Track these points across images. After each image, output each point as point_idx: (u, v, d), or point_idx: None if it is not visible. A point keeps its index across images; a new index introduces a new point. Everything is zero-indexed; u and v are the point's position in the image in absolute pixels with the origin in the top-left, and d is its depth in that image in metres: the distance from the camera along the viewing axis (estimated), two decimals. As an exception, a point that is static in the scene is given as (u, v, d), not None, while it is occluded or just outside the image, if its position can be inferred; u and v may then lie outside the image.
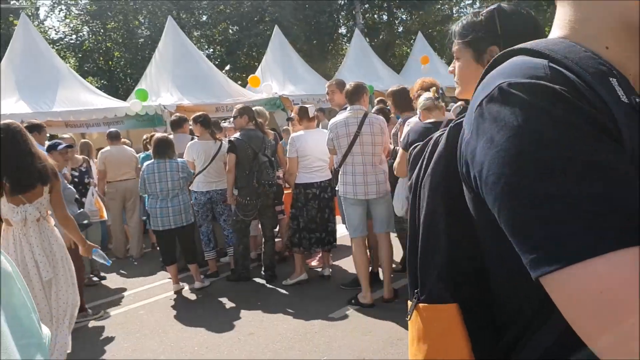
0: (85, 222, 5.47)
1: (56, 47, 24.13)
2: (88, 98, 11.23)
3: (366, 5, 32.07)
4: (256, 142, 5.93)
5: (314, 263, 6.51)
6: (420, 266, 1.17)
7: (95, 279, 6.78)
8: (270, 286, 5.98)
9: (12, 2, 25.83)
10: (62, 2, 28.50)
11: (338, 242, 6.17)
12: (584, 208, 0.68)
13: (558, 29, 0.93)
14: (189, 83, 13.15)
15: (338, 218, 6.07)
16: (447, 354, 1.09)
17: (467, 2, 38.71)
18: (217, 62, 25.37)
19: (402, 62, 25.77)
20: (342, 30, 34.77)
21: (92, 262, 6.71)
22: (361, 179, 4.96)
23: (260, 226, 6.47)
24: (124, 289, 6.44)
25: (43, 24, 29.42)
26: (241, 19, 28.17)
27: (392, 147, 5.44)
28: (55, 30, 29.47)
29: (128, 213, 7.97)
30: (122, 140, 8.53)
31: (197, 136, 6.61)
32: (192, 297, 5.94)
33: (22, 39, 11.28)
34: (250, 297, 5.70)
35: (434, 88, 4.76)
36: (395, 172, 4.73)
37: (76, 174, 6.66)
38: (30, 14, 25.78)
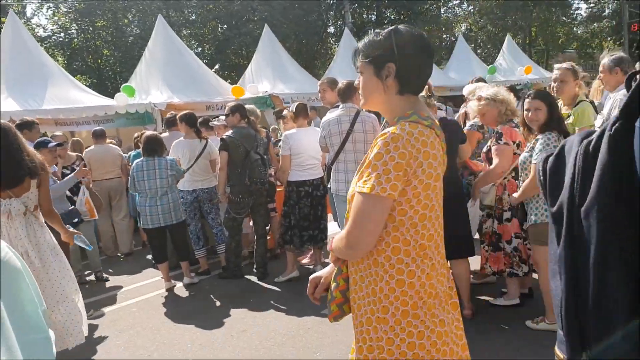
0: (76, 220, 5.46)
1: (44, 45, 23.91)
2: (78, 96, 11.18)
3: (355, 5, 32.13)
4: (248, 140, 5.95)
5: (305, 260, 6.55)
6: (591, 316, 0.97)
7: (88, 278, 6.77)
8: (262, 283, 6.01)
9: (-2, 0, 25.63)
10: (50, -1, 28.32)
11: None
12: None
13: None
14: (179, 81, 13.13)
15: (330, 216, 6.12)
16: None
17: (454, 3, 39.01)
18: (206, 61, 25.29)
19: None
20: (331, 29, 34.84)
21: (92, 261, 6.69)
22: (353, 177, 4.97)
23: (252, 224, 6.49)
24: (116, 287, 6.43)
25: (30, 21, 29.18)
26: (231, 18, 28.13)
27: None
28: (43, 28, 29.28)
29: (115, 211, 7.96)
30: (108, 139, 8.51)
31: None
32: (184, 294, 5.95)
33: (11, 37, 11.19)
34: (243, 294, 5.72)
35: (426, 87, 4.80)
36: None
37: (68, 172, 6.63)
38: (17, 11, 25.55)
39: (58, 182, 5.65)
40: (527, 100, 3.97)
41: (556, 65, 4.84)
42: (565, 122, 4.30)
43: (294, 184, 5.80)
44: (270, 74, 15.93)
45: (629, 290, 0.86)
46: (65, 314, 3.99)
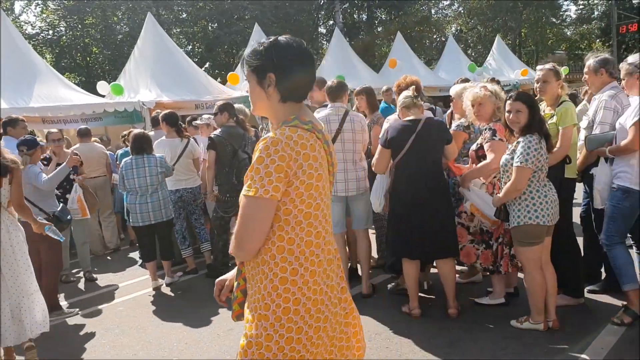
0: (69, 217, 5.44)
1: (32, 43, 23.73)
2: (66, 94, 11.08)
3: (346, 5, 32.17)
4: (236, 139, 5.94)
5: (293, 260, 6.53)
6: None
7: (78, 276, 6.73)
8: (250, 283, 5.99)
9: (-14, -4, 25.39)
10: (39, -4, 28.11)
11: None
12: None
13: None
14: (168, 80, 13.06)
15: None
16: None
17: (445, 3, 39.13)
18: (196, 60, 25.19)
19: (381, 61, 25.90)
20: (322, 29, 34.85)
21: (82, 261, 6.64)
22: (341, 176, 5.00)
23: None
24: (102, 286, 6.41)
25: (19, 18, 28.94)
26: (221, 17, 28.05)
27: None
28: (31, 25, 29.05)
29: (100, 209, 7.91)
30: (93, 138, 8.50)
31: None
32: (171, 293, 5.94)
33: (-2, 34, 11.08)
34: (230, 293, 5.69)
35: (413, 87, 4.82)
36: (373, 168, 4.79)
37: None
38: (5, 8, 25.33)
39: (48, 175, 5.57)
40: (508, 102, 3.98)
41: (538, 67, 4.89)
42: (549, 122, 4.33)
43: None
44: (260, 73, 15.87)
45: None
46: (32, 305, 4.23)
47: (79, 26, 27.60)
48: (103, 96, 12.23)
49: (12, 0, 28.46)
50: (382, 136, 4.59)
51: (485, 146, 4.34)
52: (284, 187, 1.81)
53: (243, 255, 1.90)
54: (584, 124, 4.54)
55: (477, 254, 4.53)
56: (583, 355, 3.71)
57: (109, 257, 7.86)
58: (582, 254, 4.76)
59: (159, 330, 4.91)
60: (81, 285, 6.55)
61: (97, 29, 27.68)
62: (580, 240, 4.73)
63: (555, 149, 4.15)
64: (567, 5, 54.47)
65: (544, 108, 4.60)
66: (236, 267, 2.01)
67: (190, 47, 30.51)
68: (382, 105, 8.27)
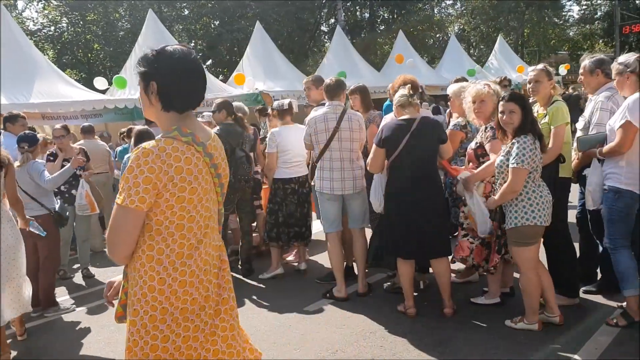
0: (67, 214, 5.51)
1: (34, 39, 23.74)
2: (66, 90, 11.12)
3: (348, 4, 32.14)
4: (234, 137, 5.95)
5: (290, 258, 6.55)
6: None
7: (65, 274, 6.74)
8: (247, 280, 6.01)
9: (-11, -8, 25.40)
10: (41, -8, 28.12)
11: (313, 238, 6.22)
12: None
13: None
14: (169, 77, 13.07)
15: (314, 214, 6.13)
16: None
17: (447, 3, 39.07)
18: (198, 57, 25.20)
19: (383, 60, 25.87)
20: (324, 27, 34.82)
21: (81, 257, 6.63)
22: (338, 175, 5.00)
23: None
24: (99, 282, 6.41)
25: (21, 14, 28.96)
26: (223, 14, 28.04)
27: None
28: (33, 21, 29.05)
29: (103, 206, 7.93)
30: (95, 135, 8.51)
31: None
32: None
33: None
34: (227, 290, 5.71)
35: (409, 85, 4.81)
36: (368, 168, 4.78)
37: (68, 164, 6.54)
38: (8, 4, 25.34)
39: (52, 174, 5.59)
40: (501, 102, 3.97)
41: (530, 67, 4.90)
42: (542, 122, 4.32)
43: (280, 182, 5.81)
44: (261, 71, 15.92)
45: None
46: (17, 288, 4.48)
47: (81, 22, 27.63)
48: (103, 92, 12.23)
49: (14, -4, 28.50)
50: (377, 135, 4.59)
51: (487, 146, 4.31)
52: (151, 198, 1.84)
53: (115, 260, 1.96)
54: (580, 125, 4.54)
55: (472, 247, 4.49)
56: (576, 356, 3.71)
57: (105, 257, 7.86)
58: (578, 255, 4.76)
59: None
60: (79, 281, 6.55)
61: (98, 26, 27.72)
62: (576, 240, 4.73)
63: (547, 148, 4.14)
64: (570, 5, 54.38)
65: (537, 108, 4.60)
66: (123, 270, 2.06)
67: (192, 44, 30.50)
68: (387, 103, 8.26)
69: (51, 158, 6.22)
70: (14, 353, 4.38)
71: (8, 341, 4.51)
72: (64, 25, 28.05)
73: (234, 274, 6.18)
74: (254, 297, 5.42)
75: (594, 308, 4.47)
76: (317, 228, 6.34)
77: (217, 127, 6.10)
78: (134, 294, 1.92)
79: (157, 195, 1.85)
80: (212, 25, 29.48)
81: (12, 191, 4.50)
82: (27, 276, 4.65)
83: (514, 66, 23.79)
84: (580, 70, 4.62)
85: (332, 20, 33.28)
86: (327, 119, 5.03)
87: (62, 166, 6.36)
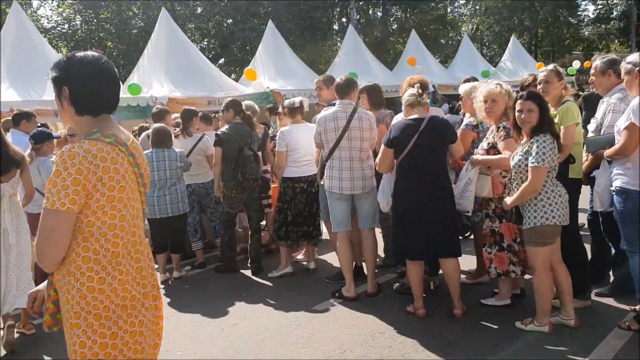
0: None
1: (48, 36, 23.94)
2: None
3: (361, 2, 32.07)
4: (242, 136, 5.98)
5: (299, 257, 6.55)
6: None
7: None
8: (256, 278, 6.01)
9: (4, -10, 25.64)
10: (55, -10, 28.34)
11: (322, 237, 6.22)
12: None
13: None
14: (181, 75, 13.13)
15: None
16: None
17: (460, 2, 38.85)
18: (210, 55, 25.28)
19: (395, 59, 25.81)
20: (336, 26, 34.78)
21: None
22: (348, 174, 4.98)
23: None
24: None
25: (36, 12, 29.21)
26: (236, 13, 28.10)
27: None
28: (47, 19, 29.30)
29: None
30: None
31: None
32: (177, 287, 5.96)
33: (14, 27, 11.22)
34: (236, 288, 5.73)
35: (418, 85, 4.78)
36: (376, 168, 4.76)
37: None
38: (23, 2, 25.58)
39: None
40: (519, 101, 3.93)
41: (541, 68, 4.86)
42: None
43: (289, 180, 5.80)
44: (272, 69, 15.93)
45: None
46: (27, 280, 4.64)
47: (94, 20, 27.81)
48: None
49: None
50: (386, 135, 4.57)
51: (500, 144, 4.27)
52: (81, 199, 1.87)
53: (46, 267, 1.96)
54: (592, 127, 4.49)
55: (490, 257, 4.46)
56: (587, 359, 3.67)
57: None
58: (590, 257, 4.71)
59: (165, 324, 4.89)
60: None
61: (112, 24, 27.87)
62: (587, 242, 4.69)
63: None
64: (585, 5, 53.96)
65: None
66: (47, 279, 2.07)
67: (206, 42, 30.63)
68: None
69: None
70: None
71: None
72: (78, 23, 28.26)
73: (244, 272, 6.20)
74: (263, 296, 5.42)
75: (606, 311, 4.42)
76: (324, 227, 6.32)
77: (225, 126, 6.13)
78: (71, 297, 1.94)
79: (87, 197, 1.88)
80: (225, 24, 29.56)
81: (30, 188, 4.77)
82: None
83: (527, 66, 23.62)
84: (592, 71, 4.58)
85: (344, 19, 33.27)
86: (337, 117, 5.01)
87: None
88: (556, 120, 4.33)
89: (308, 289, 5.52)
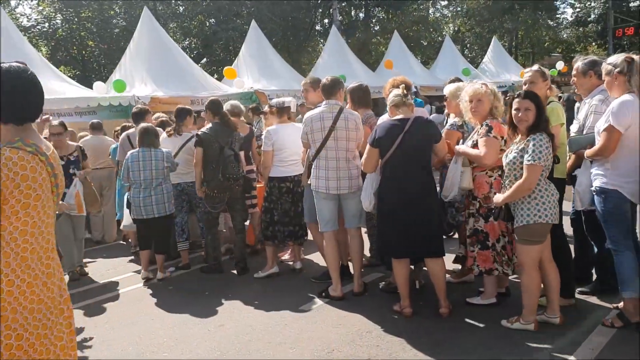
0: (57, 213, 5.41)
1: (28, 35, 23.58)
2: (60, 87, 11.07)
3: (343, 3, 32.12)
4: (223, 136, 5.98)
5: (285, 257, 6.54)
6: None
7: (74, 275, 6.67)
8: (242, 279, 5.99)
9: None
10: (35, -12, 27.95)
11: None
12: None
13: None
14: (163, 75, 13.04)
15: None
16: None
17: (442, 4, 39.12)
18: (193, 55, 25.12)
19: (378, 60, 25.90)
20: (319, 27, 34.79)
21: (77, 255, 6.52)
22: (334, 174, 4.99)
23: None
24: (93, 281, 6.38)
25: (15, 11, 28.76)
26: (218, 12, 27.97)
27: None
28: (27, 17, 28.87)
29: (104, 200, 7.94)
30: (85, 132, 8.76)
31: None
32: (162, 288, 5.92)
33: (-7, 25, 11.02)
34: (222, 289, 5.70)
35: (403, 85, 4.83)
36: (362, 168, 4.78)
37: (62, 162, 6.43)
38: (1, 1, 25.19)
39: None
40: (516, 99, 3.97)
41: (526, 69, 4.91)
42: None
43: (276, 180, 5.79)
44: (255, 69, 15.90)
45: None
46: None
47: (75, 19, 27.46)
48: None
49: (8, -8, 28.33)
50: (371, 135, 4.59)
51: (480, 141, 4.32)
52: None
53: None
54: (574, 128, 4.54)
55: (474, 255, 4.50)
56: (572, 357, 3.71)
57: (104, 255, 7.82)
58: (573, 256, 4.77)
59: (149, 325, 4.89)
60: (70, 279, 6.49)
61: (93, 23, 27.54)
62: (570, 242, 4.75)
63: None
64: (564, 7, 54.79)
65: None
66: None
67: (187, 42, 30.43)
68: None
69: None
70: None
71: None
72: (58, 22, 27.87)
73: (229, 273, 6.17)
74: (249, 296, 5.40)
75: (590, 309, 4.48)
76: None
77: (206, 127, 6.12)
78: None
79: (3, 202, 1.94)
80: (208, 24, 29.41)
81: None
82: None
83: (508, 68, 23.89)
84: (573, 72, 4.62)
85: (327, 20, 33.29)
86: (323, 117, 5.02)
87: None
88: None
89: (294, 289, 5.51)
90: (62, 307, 2.15)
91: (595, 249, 4.67)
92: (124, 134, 7.32)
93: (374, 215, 4.98)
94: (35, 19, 28.04)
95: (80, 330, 4.88)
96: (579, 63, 4.54)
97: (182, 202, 6.53)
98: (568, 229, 4.78)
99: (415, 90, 4.87)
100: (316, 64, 19.59)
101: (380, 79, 16.25)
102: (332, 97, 5.11)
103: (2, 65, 2.06)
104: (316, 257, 6.41)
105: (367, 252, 5.87)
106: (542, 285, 4.15)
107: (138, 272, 6.39)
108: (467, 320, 4.42)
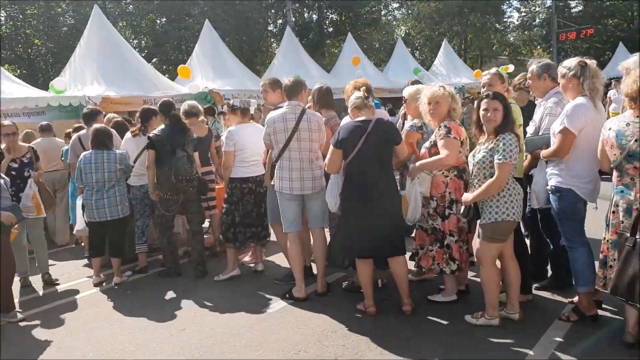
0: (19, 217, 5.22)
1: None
2: (6, 87, 10.65)
3: (297, 5, 32.15)
4: (175, 138, 5.90)
5: (246, 259, 6.49)
6: None
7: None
8: (202, 282, 5.91)
9: None
10: (-25, -16, 26.80)
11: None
12: None
13: None
14: (115, 74, 12.75)
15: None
16: None
17: (394, 6, 39.66)
18: (143, 54, 24.61)
19: (331, 61, 26.04)
20: (272, 28, 34.72)
21: (40, 262, 6.24)
22: (297, 175, 4.99)
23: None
24: (49, 286, 6.15)
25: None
26: (170, 12, 27.52)
27: None
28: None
29: (57, 202, 7.65)
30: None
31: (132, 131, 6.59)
32: (120, 293, 5.78)
33: None
34: (182, 292, 5.61)
35: (364, 88, 4.90)
36: (325, 169, 4.81)
37: (15, 165, 6.14)
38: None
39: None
40: (485, 100, 4.07)
41: (484, 72, 5.05)
42: None
43: (237, 181, 5.74)
44: (209, 69, 15.73)
45: None
46: None
47: (20, 16, 26.49)
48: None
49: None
50: (334, 137, 4.62)
51: (440, 142, 4.41)
52: None
53: None
54: (530, 129, 4.68)
55: (432, 254, 4.59)
56: (531, 352, 3.83)
57: (58, 258, 7.57)
58: (530, 253, 4.92)
59: (109, 331, 4.77)
60: (26, 286, 6.24)
61: (39, 20, 26.63)
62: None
63: None
64: (511, 12, 56.50)
65: None
66: None
67: (137, 41, 29.80)
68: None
69: None
70: None
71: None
72: (2, 18, 26.84)
73: (189, 276, 6.07)
74: (211, 299, 5.33)
75: (546, 304, 4.63)
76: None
77: (158, 129, 6.02)
78: None
79: None
80: (159, 22, 28.90)
81: None
82: None
83: (458, 70, 24.43)
84: (528, 75, 4.77)
85: (280, 21, 33.25)
86: (285, 118, 5.01)
87: (9, 167, 6.09)
88: None
89: (257, 291, 5.47)
90: None
91: (551, 246, 4.82)
92: (74, 135, 7.11)
93: (336, 216, 5.01)
94: (-24, 16, 26.94)
95: (36, 337, 4.73)
96: (533, 66, 4.69)
97: (145, 206, 6.36)
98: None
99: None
100: (271, 64, 19.53)
101: (335, 80, 16.35)
102: (294, 97, 5.11)
103: None
104: (278, 259, 6.40)
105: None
106: (501, 282, 4.28)
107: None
108: (430, 317, 4.50)
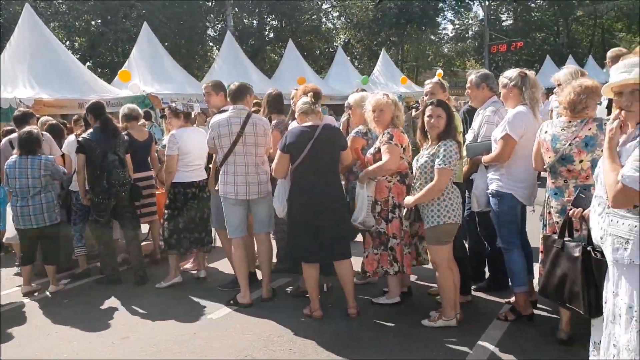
0: None
1: None
2: None
3: (236, 9, 31.99)
4: (106, 141, 5.74)
5: (187, 265, 6.37)
6: None
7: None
8: (143, 289, 5.76)
9: None
10: None
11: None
12: None
13: None
14: (48, 76, 12.30)
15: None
16: None
17: (334, 15, 40.11)
18: (77, 56, 23.80)
19: (272, 67, 26.03)
20: (211, 32, 34.39)
21: None
22: (243, 179, 4.96)
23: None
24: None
25: None
26: (106, 13, 26.76)
27: None
28: None
29: None
30: None
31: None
32: (56, 302, 5.55)
33: None
34: (122, 300, 5.45)
35: (311, 93, 4.96)
36: (272, 174, 4.83)
37: None
38: None
39: None
40: (429, 107, 4.22)
41: (427, 81, 5.25)
42: None
43: (180, 186, 5.65)
44: (147, 72, 15.44)
45: None
46: None
47: (-59, 13, 25.07)
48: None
49: None
50: (282, 141, 4.65)
51: (382, 148, 4.52)
52: None
53: None
54: (469, 136, 4.86)
55: (377, 257, 4.67)
56: (471, 352, 3.96)
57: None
58: (468, 255, 5.10)
59: (46, 341, 4.57)
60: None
61: (-38, 18, 25.29)
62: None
63: None
64: (445, 24, 58.35)
65: None
66: None
67: (69, 42, 28.78)
68: None
69: None
70: None
71: None
72: None
73: (129, 284, 5.91)
74: (153, 307, 5.21)
75: (485, 305, 4.81)
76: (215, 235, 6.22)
77: (87, 132, 5.85)
78: None
79: None
80: (94, 23, 28.04)
81: None
82: None
83: (396, 80, 24.95)
84: (467, 84, 4.96)
85: (220, 26, 32.97)
86: (231, 122, 4.98)
87: None
88: None
89: (200, 298, 5.38)
90: None
91: (488, 249, 5.01)
92: (5, 139, 6.79)
93: (282, 221, 5.02)
94: None
95: None
96: (472, 76, 4.87)
97: (87, 213, 6.11)
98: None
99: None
100: (211, 68, 19.35)
101: (277, 85, 16.30)
102: (239, 101, 5.09)
103: None
104: (221, 265, 6.33)
105: (274, 258, 5.88)
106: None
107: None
108: (375, 320, 4.58)
